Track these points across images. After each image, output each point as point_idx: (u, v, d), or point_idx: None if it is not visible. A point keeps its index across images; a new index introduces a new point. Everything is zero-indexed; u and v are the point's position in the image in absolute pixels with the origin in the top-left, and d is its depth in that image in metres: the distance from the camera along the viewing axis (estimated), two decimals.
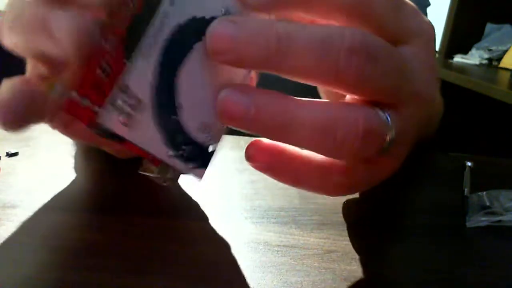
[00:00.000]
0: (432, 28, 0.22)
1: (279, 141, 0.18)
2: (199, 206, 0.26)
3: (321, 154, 0.19)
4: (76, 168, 0.30)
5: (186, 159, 0.18)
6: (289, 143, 0.18)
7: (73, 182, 0.27)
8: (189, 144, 0.18)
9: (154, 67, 0.16)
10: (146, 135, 0.17)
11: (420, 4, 0.52)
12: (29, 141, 0.33)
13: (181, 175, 0.19)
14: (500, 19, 1.37)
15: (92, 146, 0.27)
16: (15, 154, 0.31)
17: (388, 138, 0.19)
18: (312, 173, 0.20)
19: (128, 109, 0.16)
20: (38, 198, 0.25)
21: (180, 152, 0.18)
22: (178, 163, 0.18)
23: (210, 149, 0.19)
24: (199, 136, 0.18)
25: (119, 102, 0.16)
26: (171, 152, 0.18)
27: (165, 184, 0.19)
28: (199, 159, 0.18)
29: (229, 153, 0.34)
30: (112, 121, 0.16)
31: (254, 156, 0.19)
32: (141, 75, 0.16)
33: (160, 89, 0.17)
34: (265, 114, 0.17)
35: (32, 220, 0.23)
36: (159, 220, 0.24)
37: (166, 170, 0.18)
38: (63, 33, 0.16)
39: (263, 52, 0.16)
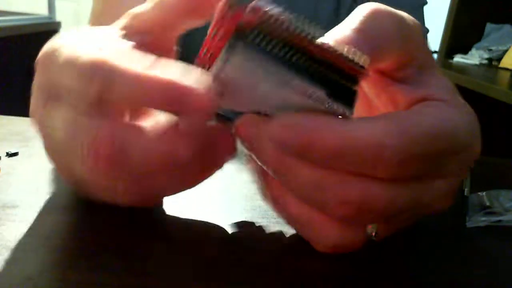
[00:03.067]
0: (477, 154, 0.21)
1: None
2: (199, 206, 0.26)
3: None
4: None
5: None
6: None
7: None
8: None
9: None
10: None
11: (416, 3, 0.52)
12: (29, 141, 0.33)
13: None
14: (500, 19, 1.37)
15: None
16: (15, 154, 0.31)
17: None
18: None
19: None
20: (38, 198, 0.25)
21: None
22: None
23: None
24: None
25: None
26: None
27: None
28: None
29: None
30: None
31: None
32: None
33: None
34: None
35: (32, 220, 0.23)
36: (160, 221, 0.24)
37: None
38: None
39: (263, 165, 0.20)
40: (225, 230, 0.24)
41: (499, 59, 1.33)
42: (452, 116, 0.19)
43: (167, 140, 0.18)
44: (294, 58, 0.17)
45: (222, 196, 0.27)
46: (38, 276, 0.19)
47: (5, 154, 0.30)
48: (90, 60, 0.18)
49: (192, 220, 0.24)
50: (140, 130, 0.18)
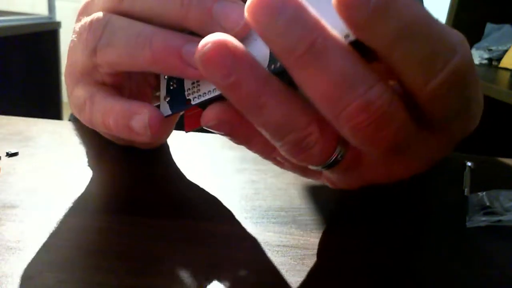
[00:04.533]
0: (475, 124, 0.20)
1: (251, 113, 0.17)
2: (199, 206, 0.26)
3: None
4: (85, 165, 0.30)
5: (169, 89, 0.21)
6: (258, 121, 0.17)
7: (73, 182, 0.27)
8: (179, 83, 0.21)
9: None
10: None
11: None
12: (29, 141, 0.33)
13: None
14: (500, 19, 1.37)
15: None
16: (15, 154, 0.31)
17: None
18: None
19: None
20: (38, 198, 0.25)
21: (171, 82, 0.21)
22: (163, 87, 0.21)
23: (188, 98, 0.20)
24: (187, 84, 0.21)
25: None
26: (165, 77, 0.21)
27: (154, 104, 0.22)
28: (173, 100, 0.21)
29: (229, 153, 0.34)
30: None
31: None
32: None
33: None
34: (244, 87, 0.16)
35: (32, 220, 0.23)
36: (159, 221, 0.24)
37: (158, 86, 0.22)
38: None
39: (289, 48, 0.15)
40: (225, 230, 0.24)
41: (499, 59, 1.33)
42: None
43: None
44: None
45: (221, 196, 0.27)
46: (38, 276, 0.19)
47: (5, 154, 0.31)
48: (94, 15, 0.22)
49: (191, 220, 0.24)
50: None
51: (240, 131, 0.20)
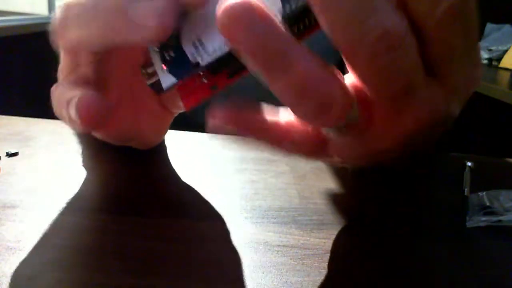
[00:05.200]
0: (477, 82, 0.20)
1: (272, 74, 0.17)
2: (199, 206, 0.26)
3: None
4: (84, 166, 0.30)
5: (165, 60, 0.20)
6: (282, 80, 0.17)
7: (73, 182, 0.27)
8: (177, 51, 0.19)
9: None
10: None
11: None
12: (29, 141, 0.33)
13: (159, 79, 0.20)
14: (500, 19, 1.37)
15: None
16: (15, 154, 0.31)
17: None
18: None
19: None
20: (38, 198, 0.25)
21: (165, 52, 0.20)
22: (156, 60, 0.20)
23: (196, 61, 0.19)
24: (188, 49, 0.19)
25: None
26: (156, 49, 0.20)
27: (147, 82, 0.21)
28: (175, 67, 0.20)
29: (229, 153, 0.34)
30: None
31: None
32: None
33: None
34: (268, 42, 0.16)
35: (32, 220, 0.23)
36: (159, 220, 0.24)
37: (149, 65, 0.20)
38: (149, 17, 0.18)
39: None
40: (225, 230, 0.24)
41: (499, 59, 1.33)
42: None
43: None
44: None
45: (221, 196, 0.27)
46: (38, 276, 0.19)
47: (5, 154, 0.31)
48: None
49: (191, 220, 0.24)
50: None
51: (247, 130, 0.19)
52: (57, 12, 0.22)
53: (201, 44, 0.19)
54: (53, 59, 0.26)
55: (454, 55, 0.18)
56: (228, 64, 0.19)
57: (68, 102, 0.21)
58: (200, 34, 0.19)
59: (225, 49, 0.18)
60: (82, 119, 0.20)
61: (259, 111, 0.20)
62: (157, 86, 0.20)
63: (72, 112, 0.20)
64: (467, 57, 0.19)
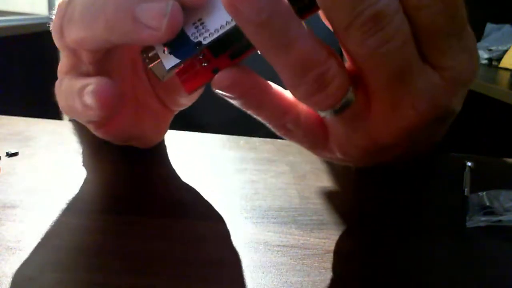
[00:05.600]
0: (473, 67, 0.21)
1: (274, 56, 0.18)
2: (198, 206, 0.26)
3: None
4: (84, 166, 0.30)
5: (166, 44, 0.19)
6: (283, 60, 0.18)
7: (73, 182, 0.27)
8: (178, 32, 0.19)
9: None
10: None
11: None
12: (29, 141, 0.33)
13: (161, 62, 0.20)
14: (500, 19, 1.37)
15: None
16: (15, 154, 0.31)
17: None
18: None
19: None
20: (38, 198, 0.25)
21: None
22: (158, 44, 0.20)
23: (198, 40, 0.19)
24: (189, 29, 0.19)
25: None
26: None
27: (148, 66, 0.20)
28: (177, 48, 0.19)
29: (229, 153, 0.34)
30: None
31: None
32: None
33: None
34: (275, 24, 0.16)
35: (32, 220, 0.23)
36: (159, 221, 0.24)
37: (150, 49, 0.20)
38: (154, 17, 0.18)
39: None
40: (225, 230, 0.24)
41: (499, 59, 1.33)
42: None
43: None
44: None
45: (221, 196, 0.27)
46: (38, 276, 0.19)
47: (5, 154, 0.30)
48: None
49: (191, 220, 0.24)
50: None
51: (252, 94, 0.20)
52: (58, 10, 0.22)
53: (202, 23, 0.19)
54: (53, 59, 0.26)
55: (442, 37, 0.18)
56: (229, 46, 0.19)
57: (81, 91, 0.21)
58: (201, 14, 0.19)
59: (227, 27, 0.19)
60: (101, 103, 0.20)
61: (265, 81, 0.20)
62: (159, 69, 0.20)
63: (88, 99, 0.20)
64: (457, 41, 0.19)
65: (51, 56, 1.81)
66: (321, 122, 0.22)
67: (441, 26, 0.18)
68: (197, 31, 0.19)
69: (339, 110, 0.19)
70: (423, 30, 0.18)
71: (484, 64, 1.35)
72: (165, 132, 0.33)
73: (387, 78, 0.18)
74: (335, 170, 0.32)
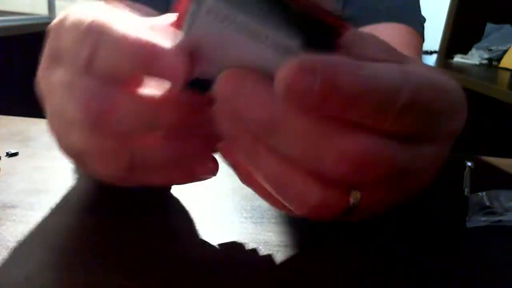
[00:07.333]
0: (463, 123, 0.21)
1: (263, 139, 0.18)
2: (198, 206, 0.26)
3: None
4: (77, 170, 0.30)
5: None
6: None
7: (73, 183, 0.27)
8: None
9: None
10: None
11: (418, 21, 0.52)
12: (29, 141, 0.33)
13: None
14: (500, 19, 1.37)
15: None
16: (15, 154, 0.31)
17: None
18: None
19: None
20: (38, 198, 0.25)
21: None
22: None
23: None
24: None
25: None
26: None
27: None
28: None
29: None
30: None
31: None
32: None
33: None
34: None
35: (31, 220, 0.23)
36: (159, 221, 0.24)
37: None
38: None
39: (253, 121, 0.17)
40: (225, 230, 0.24)
41: (499, 59, 1.33)
42: (444, 77, 0.19)
43: (152, 102, 0.19)
44: (266, 7, 0.16)
45: (221, 196, 0.27)
46: (37, 276, 0.19)
47: (5, 154, 0.31)
48: (87, 23, 0.19)
49: (191, 220, 0.24)
50: (129, 89, 0.19)
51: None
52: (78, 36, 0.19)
53: None
54: None
55: (429, 125, 0.18)
56: None
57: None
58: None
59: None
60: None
61: None
62: None
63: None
64: (444, 118, 0.19)
65: None
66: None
67: (422, 124, 0.18)
68: None
69: (347, 213, 0.19)
70: (405, 128, 0.17)
71: (484, 64, 1.35)
72: None
73: (386, 180, 0.18)
74: None
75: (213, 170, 0.22)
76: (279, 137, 0.17)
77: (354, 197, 0.18)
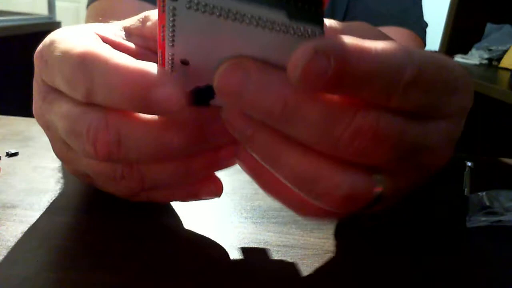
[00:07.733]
0: (471, 102, 0.21)
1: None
2: (198, 206, 0.26)
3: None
4: None
5: None
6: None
7: (73, 183, 0.27)
8: None
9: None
10: None
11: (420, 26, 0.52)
12: (29, 141, 0.33)
13: None
14: (500, 19, 1.37)
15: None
16: (15, 154, 0.31)
17: (374, 196, 0.18)
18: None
19: None
20: (38, 198, 0.25)
21: None
22: None
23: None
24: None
25: None
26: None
27: None
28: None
29: None
30: None
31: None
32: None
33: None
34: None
35: (31, 220, 0.23)
36: (159, 221, 0.24)
37: None
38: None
39: (266, 111, 0.16)
40: (225, 230, 0.24)
41: (499, 59, 1.33)
42: (446, 57, 0.19)
43: (159, 127, 0.19)
44: None
45: (221, 196, 0.27)
46: (36, 276, 0.19)
47: (5, 154, 0.31)
48: (77, 56, 0.18)
49: (191, 220, 0.24)
50: (134, 118, 0.19)
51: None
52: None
53: None
54: None
55: (434, 101, 0.18)
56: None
57: None
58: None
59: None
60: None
61: None
62: None
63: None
64: (450, 92, 0.19)
65: None
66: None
67: (429, 101, 0.18)
68: None
69: (373, 204, 0.19)
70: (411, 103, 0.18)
71: (484, 64, 1.35)
72: None
73: (399, 159, 0.18)
74: None
75: (215, 192, 0.22)
76: (296, 123, 0.17)
77: (379, 181, 0.19)
